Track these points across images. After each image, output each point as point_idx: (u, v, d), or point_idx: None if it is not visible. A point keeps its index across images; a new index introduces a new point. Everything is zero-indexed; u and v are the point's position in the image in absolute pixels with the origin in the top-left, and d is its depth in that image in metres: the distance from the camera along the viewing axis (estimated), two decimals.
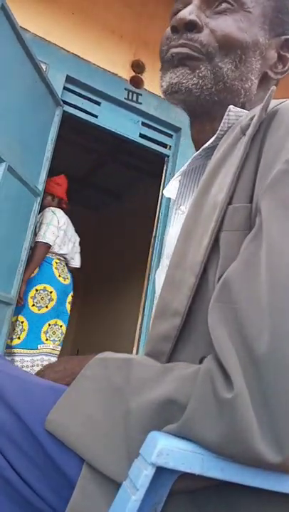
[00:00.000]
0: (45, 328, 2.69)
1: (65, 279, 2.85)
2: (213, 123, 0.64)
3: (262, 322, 0.39)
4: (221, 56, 0.60)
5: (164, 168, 3.09)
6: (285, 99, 0.53)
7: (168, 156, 3.06)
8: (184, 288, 0.49)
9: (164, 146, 3.06)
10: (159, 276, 0.68)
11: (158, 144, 3.03)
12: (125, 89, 2.85)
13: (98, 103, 2.82)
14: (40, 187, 2.43)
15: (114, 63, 2.83)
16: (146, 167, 4.61)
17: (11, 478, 0.47)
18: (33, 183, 2.34)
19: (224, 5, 0.60)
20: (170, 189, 0.71)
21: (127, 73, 2.87)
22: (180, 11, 0.62)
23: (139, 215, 4.75)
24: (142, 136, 2.96)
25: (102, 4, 2.82)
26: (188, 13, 0.59)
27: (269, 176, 0.46)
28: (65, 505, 0.45)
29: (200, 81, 0.59)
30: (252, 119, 0.51)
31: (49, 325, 2.72)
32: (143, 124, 2.97)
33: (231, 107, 0.58)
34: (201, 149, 0.62)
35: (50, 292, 2.73)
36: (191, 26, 0.59)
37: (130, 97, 2.86)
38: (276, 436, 0.36)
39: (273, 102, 0.53)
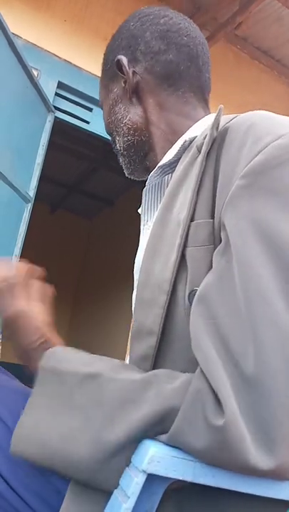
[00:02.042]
0: None
1: None
2: (153, 160, 0.71)
3: (245, 335, 0.39)
4: (114, 142, 0.76)
5: None
6: (234, 115, 0.55)
7: None
8: (155, 307, 0.50)
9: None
10: (133, 295, 0.69)
11: None
12: None
13: (90, 109, 2.82)
14: (32, 193, 2.42)
15: None
16: None
17: (0, 487, 0.47)
18: (24, 189, 2.33)
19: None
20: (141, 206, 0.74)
21: None
22: None
23: (131, 221, 4.75)
24: None
25: (94, 12, 2.84)
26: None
27: (228, 191, 0.47)
28: None
29: (129, 168, 0.78)
30: (205, 137, 0.53)
31: None
32: None
33: (187, 138, 0.61)
34: (157, 167, 0.64)
35: None
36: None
37: None
38: (268, 444, 0.36)
39: (224, 119, 0.54)
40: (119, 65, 0.69)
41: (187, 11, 3.01)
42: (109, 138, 0.77)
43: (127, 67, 0.68)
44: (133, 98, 0.69)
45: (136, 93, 0.69)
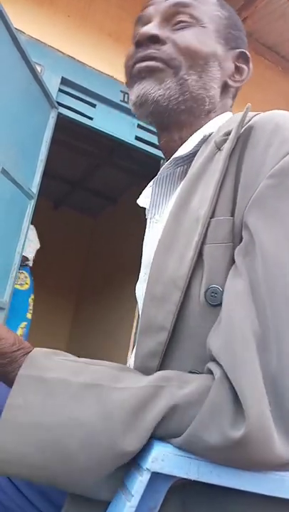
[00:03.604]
0: None
1: None
2: (181, 131, 0.66)
3: (268, 337, 0.40)
4: (186, 68, 0.63)
5: (160, 170, 3.08)
6: (257, 112, 0.55)
7: (163, 159, 3.06)
8: (168, 303, 0.49)
9: (160, 148, 3.05)
10: (139, 288, 0.68)
11: (154, 147, 3.03)
12: (121, 91, 2.85)
13: (94, 105, 2.81)
14: (35, 189, 2.42)
15: (110, 65, 2.83)
16: (142, 170, 4.61)
17: (3, 485, 0.47)
18: (27, 185, 2.33)
19: (182, 22, 0.64)
20: (142, 198, 0.73)
21: (122, 75, 2.86)
22: (140, 18, 0.67)
23: (134, 218, 4.75)
24: (137, 138, 2.96)
25: (98, 7, 2.82)
26: (150, 28, 0.63)
27: (252, 190, 0.47)
28: (56, 511, 0.44)
29: (166, 92, 0.62)
30: (226, 134, 0.53)
31: None
32: (139, 126, 2.96)
33: (207, 132, 0.60)
34: (171, 159, 0.64)
35: None
36: (155, 39, 0.62)
37: (126, 100, 2.86)
38: None
39: (250, 113, 0.55)
40: (246, 56, 0.70)
41: None
42: (174, 59, 0.63)
43: (246, 67, 0.70)
44: (226, 85, 0.69)
45: (228, 83, 0.69)
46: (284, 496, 0.40)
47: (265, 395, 0.38)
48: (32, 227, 3.11)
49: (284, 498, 0.40)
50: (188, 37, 0.63)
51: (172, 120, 0.65)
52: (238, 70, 0.70)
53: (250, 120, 0.53)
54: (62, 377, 0.42)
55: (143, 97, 0.62)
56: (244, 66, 0.70)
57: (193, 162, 0.58)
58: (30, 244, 2.99)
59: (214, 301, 0.46)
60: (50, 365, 0.43)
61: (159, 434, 0.40)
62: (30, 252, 3.02)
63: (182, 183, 0.57)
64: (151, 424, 0.39)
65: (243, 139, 0.51)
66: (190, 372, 0.47)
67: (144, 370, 0.50)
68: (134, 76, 0.64)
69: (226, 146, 0.51)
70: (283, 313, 0.40)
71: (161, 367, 0.49)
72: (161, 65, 0.62)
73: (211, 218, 0.49)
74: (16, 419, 0.40)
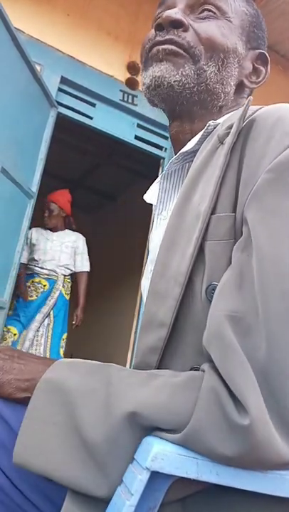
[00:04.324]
0: None
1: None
2: (192, 124, 0.65)
3: (260, 331, 0.39)
4: (206, 59, 0.61)
5: (160, 170, 3.08)
6: (259, 106, 0.54)
7: (163, 158, 3.06)
8: (169, 298, 0.49)
9: (160, 148, 3.05)
10: (144, 284, 0.68)
11: (153, 146, 3.03)
12: (120, 90, 2.85)
13: (93, 104, 2.81)
14: (34, 189, 2.42)
15: (110, 65, 2.83)
16: (142, 169, 4.61)
17: (3, 484, 0.46)
18: (27, 185, 2.32)
19: (207, 12, 0.62)
20: (150, 194, 0.71)
21: (122, 75, 2.87)
22: (165, 1, 0.65)
23: (134, 217, 4.75)
24: (137, 138, 2.96)
25: (97, 6, 2.82)
26: (174, 12, 0.61)
27: (252, 185, 0.46)
28: (57, 511, 0.44)
29: (183, 79, 0.60)
30: (229, 127, 0.52)
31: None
32: (138, 125, 2.96)
33: (211, 122, 0.59)
34: (178, 154, 0.62)
35: None
36: (177, 24, 0.60)
37: (126, 99, 2.86)
38: None
39: (252, 107, 0.54)
40: (265, 58, 0.69)
41: None
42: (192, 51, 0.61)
43: (264, 69, 0.69)
44: (242, 84, 0.68)
45: (244, 83, 0.68)
46: (284, 495, 0.40)
47: (256, 384, 0.38)
48: (82, 237, 3.23)
49: (284, 497, 0.40)
50: (211, 28, 0.61)
51: (184, 109, 0.63)
52: (255, 70, 0.68)
53: (253, 114, 0.52)
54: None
55: (159, 79, 0.60)
56: (262, 68, 0.69)
57: (196, 156, 0.57)
58: (84, 257, 3.19)
59: None
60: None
61: (153, 410, 0.40)
62: (87, 266, 3.19)
63: (186, 178, 0.56)
64: (142, 396, 0.41)
65: (244, 133, 0.51)
66: (192, 368, 0.47)
67: (144, 365, 0.50)
68: (151, 57, 0.62)
69: (228, 141, 0.50)
70: (274, 303, 0.40)
71: (161, 362, 0.49)
72: (182, 50, 0.60)
73: (212, 215, 0.49)
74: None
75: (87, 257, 3.25)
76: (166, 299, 0.49)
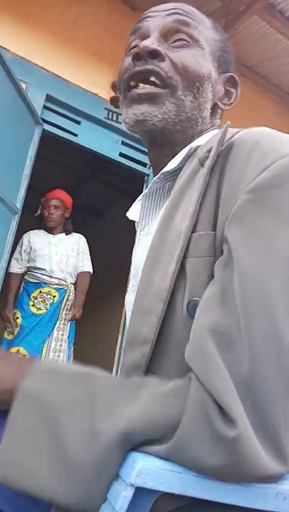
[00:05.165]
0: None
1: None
2: (173, 148, 0.67)
3: (243, 346, 0.40)
4: (183, 88, 0.63)
5: (144, 186, 3.11)
6: (237, 130, 0.56)
7: (148, 175, 3.09)
8: (152, 315, 0.50)
9: (144, 165, 3.09)
10: (127, 300, 0.69)
11: (138, 163, 3.07)
12: (105, 108, 2.89)
13: (78, 122, 2.84)
14: (19, 205, 2.41)
15: (95, 84, 2.87)
16: (126, 186, 4.64)
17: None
18: (12, 201, 2.32)
19: (180, 41, 0.64)
20: (132, 212, 0.73)
21: (107, 93, 2.91)
22: (136, 46, 0.65)
23: (119, 233, 4.76)
24: (121, 155, 2.99)
25: (82, 26, 2.87)
26: (150, 42, 0.62)
27: (231, 205, 0.48)
28: None
29: (165, 116, 0.62)
30: (208, 151, 0.54)
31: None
32: (123, 143, 3.00)
33: (193, 144, 0.62)
34: (160, 173, 0.64)
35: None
36: (155, 54, 0.62)
37: (110, 117, 2.90)
38: (279, 451, 0.38)
39: (227, 133, 0.56)
40: (235, 80, 0.72)
41: None
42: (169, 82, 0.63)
43: (235, 91, 0.72)
44: (216, 106, 0.71)
45: (217, 105, 0.71)
46: (267, 508, 0.40)
47: (238, 397, 0.38)
48: (83, 237, 3.05)
49: (267, 510, 0.40)
50: (186, 57, 0.63)
51: (166, 138, 0.65)
52: (227, 93, 0.72)
53: (232, 137, 0.54)
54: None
55: (141, 116, 0.62)
56: (233, 90, 0.72)
57: (178, 177, 0.59)
58: (85, 256, 2.99)
59: (194, 313, 0.47)
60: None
61: (140, 426, 0.40)
62: (88, 266, 2.98)
63: (168, 199, 0.58)
64: (130, 413, 0.41)
65: (223, 156, 0.52)
66: None
67: None
68: (131, 99, 0.64)
69: (207, 163, 0.52)
70: (256, 317, 0.41)
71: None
72: (160, 89, 0.62)
73: (192, 233, 0.50)
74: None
75: (89, 257, 3.02)
76: (149, 316, 0.50)
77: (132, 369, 0.50)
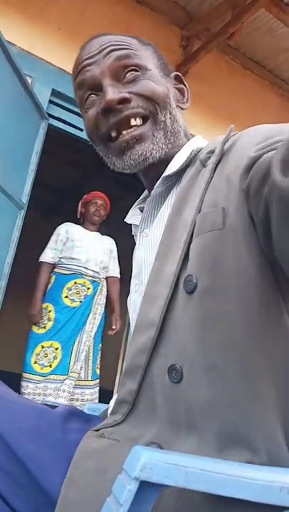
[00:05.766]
0: (37, 349, 2.51)
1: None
2: (168, 162, 0.68)
3: None
4: (159, 111, 0.66)
5: None
6: (235, 132, 0.60)
7: None
8: (159, 299, 0.52)
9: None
10: (130, 300, 0.70)
11: None
12: None
13: None
14: (25, 200, 2.42)
15: None
16: (132, 181, 4.64)
17: None
18: (18, 196, 2.33)
19: (131, 73, 0.66)
20: (130, 217, 0.77)
21: None
22: (91, 96, 0.68)
23: (124, 229, 4.76)
24: None
25: (88, 20, 2.86)
26: (112, 93, 0.64)
27: (237, 176, 0.51)
28: None
29: (159, 145, 0.65)
30: (210, 152, 0.58)
31: (42, 347, 2.52)
32: None
33: (194, 148, 0.65)
34: (161, 178, 0.66)
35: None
36: (124, 101, 0.64)
37: None
38: None
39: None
40: (179, 76, 0.74)
41: (180, 22, 3.05)
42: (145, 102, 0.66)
43: (183, 86, 0.74)
44: (180, 108, 0.73)
45: (180, 107, 0.73)
46: (271, 502, 0.40)
47: None
48: (114, 242, 2.99)
49: (272, 504, 0.40)
50: (146, 86, 0.66)
51: (161, 160, 0.67)
52: (180, 91, 0.74)
53: (235, 135, 0.58)
54: None
55: (142, 158, 0.64)
56: (182, 85, 0.74)
57: (182, 179, 0.62)
58: (115, 262, 2.98)
59: (189, 288, 0.48)
60: None
61: None
62: (118, 272, 2.97)
63: (174, 198, 0.60)
64: None
65: (226, 154, 0.56)
66: (170, 366, 0.48)
67: (132, 367, 0.51)
68: (120, 148, 0.65)
69: (211, 161, 0.55)
70: None
71: (149, 363, 0.51)
72: (143, 126, 0.64)
73: (198, 214, 0.53)
74: None
75: (118, 263, 3.02)
76: (156, 300, 0.52)
77: (138, 352, 0.52)
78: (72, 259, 2.70)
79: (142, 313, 0.54)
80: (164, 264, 0.54)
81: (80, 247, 2.74)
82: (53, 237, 2.80)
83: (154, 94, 0.65)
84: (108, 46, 0.67)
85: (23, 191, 2.41)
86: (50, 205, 5.96)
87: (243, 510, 0.42)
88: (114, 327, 2.80)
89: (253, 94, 3.43)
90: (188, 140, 0.72)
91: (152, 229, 0.65)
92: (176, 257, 0.52)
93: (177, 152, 0.68)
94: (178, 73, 0.75)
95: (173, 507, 0.43)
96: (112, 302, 2.87)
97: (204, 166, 0.57)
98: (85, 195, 3.03)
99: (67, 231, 2.82)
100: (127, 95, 0.64)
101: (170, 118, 0.67)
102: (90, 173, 4.95)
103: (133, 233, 0.75)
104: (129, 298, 0.71)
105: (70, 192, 5.55)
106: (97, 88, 0.66)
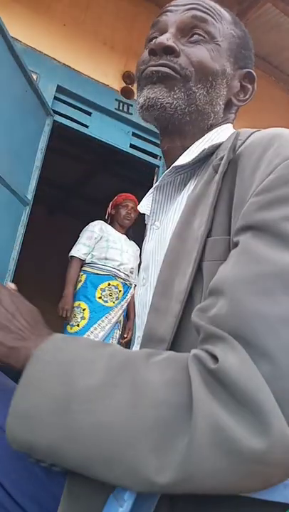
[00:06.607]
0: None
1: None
2: (184, 141, 0.68)
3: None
4: (196, 81, 0.64)
5: (155, 178, 3.10)
6: (253, 130, 0.58)
7: (158, 167, 3.08)
8: (169, 315, 0.51)
9: (155, 156, 3.08)
10: (137, 292, 0.70)
11: (148, 155, 3.06)
12: (116, 99, 2.87)
13: (89, 113, 2.83)
14: (30, 196, 2.43)
15: (106, 74, 2.86)
16: (137, 177, 4.64)
17: None
18: (23, 192, 2.33)
19: (197, 36, 0.65)
20: (144, 204, 0.74)
21: (118, 84, 2.90)
22: (155, 38, 0.67)
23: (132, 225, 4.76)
24: (132, 146, 2.98)
25: (93, 16, 2.85)
26: (166, 39, 0.64)
27: (241, 211, 0.49)
28: None
29: (174, 102, 0.63)
30: (221, 158, 0.55)
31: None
32: (133, 134, 2.99)
33: (207, 146, 0.62)
34: (171, 167, 0.65)
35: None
36: (170, 50, 0.63)
37: (121, 108, 2.89)
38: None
39: (242, 134, 0.57)
40: (252, 77, 0.72)
41: None
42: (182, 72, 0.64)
43: (251, 86, 0.72)
44: (230, 102, 0.71)
45: (232, 101, 0.71)
46: (275, 499, 0.40)
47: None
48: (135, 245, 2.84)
49: (271, 500, 0.41)
50: (201, 53, 0.65)
51: (176, 129, 0.66)
52: (243, 89, 0.72)
53: (244, 142, 0.55)
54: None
55: (151, 100, 0.63)
56: (249, 86, 0.72)
57: (195, 184, 0.61)
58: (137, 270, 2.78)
59: None
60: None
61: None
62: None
63: (185, 204, 0.59)
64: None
65: (235, 162, 0.54)
66: None
67: None
68: (145, 78, 0.65)
69: (219, 170, 0.54)
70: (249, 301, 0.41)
71: None
72: (174, 73, 0.63)
73: (208, 237, 0.51)
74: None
75: None
76: (166, 316, 0.51)
77: None
78: (107, 259, 2.59)
79: (150, 324, 0.53)
80: (172, 276, 0.53)
81: (115, 249, 2.63)
82: (87, 233, 2.67)
83: (199, 63, 0.64)
84: (194, 4, 0.67)
85: (28, 188, 2.41)
86: (55, 201, 5.97)
87: (244, 509, 0.42)
88: (125, 335, 2.72)
89: (259, 90, 3.39)
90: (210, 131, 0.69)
91: (163, 223, 0.65)
92: (186, 274, 0.51)
93: (198, 140, 0.67)
94: (253, 73, 0.73)
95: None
96: (129, 309, 2.76)
97: (216, 172, 0.55)
98: (116, 197, 2.89)
99: (102, 229, 2.68)
100: (175, 47, 0.63)
101: (203, 95, 0.65)
102: (94, 169, 4.95)
103: (146, 222, 0.73)
104: (136, 290, 0.71)
105: (75, 189, 5.56)
106: (163, 33, 0.66)
